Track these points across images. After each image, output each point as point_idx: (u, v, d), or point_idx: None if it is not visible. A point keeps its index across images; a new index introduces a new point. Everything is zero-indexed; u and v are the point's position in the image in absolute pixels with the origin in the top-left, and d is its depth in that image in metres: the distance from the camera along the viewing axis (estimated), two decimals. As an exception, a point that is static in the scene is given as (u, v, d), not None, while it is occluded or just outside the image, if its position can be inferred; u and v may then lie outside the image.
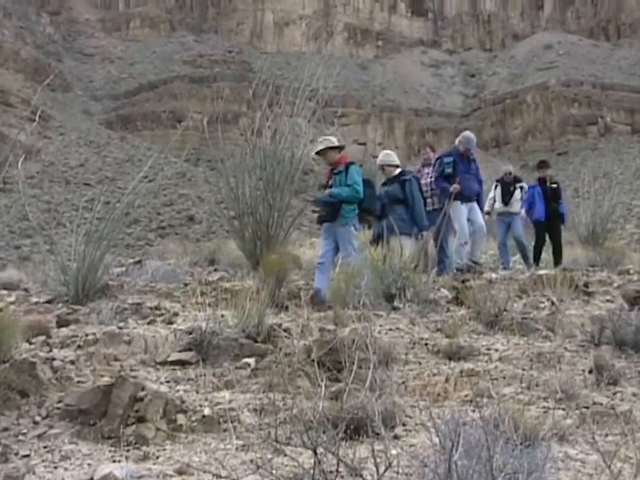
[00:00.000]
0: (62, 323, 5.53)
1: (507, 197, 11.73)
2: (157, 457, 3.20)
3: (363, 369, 3.70)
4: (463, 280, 7.58)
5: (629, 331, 4.94)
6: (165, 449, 3.31)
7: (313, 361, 4.09)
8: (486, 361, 4.73)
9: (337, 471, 2.52)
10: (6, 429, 3.55)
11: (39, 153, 57.57)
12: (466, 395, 4.03)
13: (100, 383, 3.76)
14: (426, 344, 5.11)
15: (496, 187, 11.95)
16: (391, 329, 5.45)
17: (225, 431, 3.50)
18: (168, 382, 4.20)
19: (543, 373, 4.40)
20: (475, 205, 9.84)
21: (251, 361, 4.54)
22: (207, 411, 3.67)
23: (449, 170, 9.56)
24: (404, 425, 3.61)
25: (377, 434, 3.05)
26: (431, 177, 9.88)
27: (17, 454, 3.26)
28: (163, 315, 6.03)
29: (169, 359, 4.58)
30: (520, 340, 5.24)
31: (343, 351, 4.02)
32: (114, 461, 3.10)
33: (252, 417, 3.67)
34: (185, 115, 73.89)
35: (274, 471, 2.63)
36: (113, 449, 3.30)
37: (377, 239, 8.18)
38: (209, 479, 2.80)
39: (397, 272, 6.49)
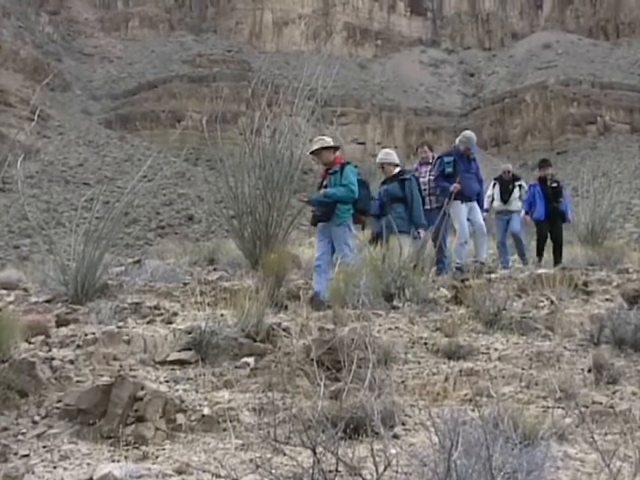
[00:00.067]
0: (61, 322, 5.53)
1: (505, 196, 11.73)
2: (156, 457, 3.20)
3: (362, 369, 3.69)
4: (462, 279, 7.58)
5: (628, 329, 4.94)
6: (164, 449, 3.31)
7: (312, 360, 4.08)
8: (485, 360, 4.73)
9: (337, 470, 2.52)
10: (5, 429, 3.55)
11: (38, 152, 57.59)
12: (465, 394, 4.03)
13: (99, 382, 3.76)
14: (425, 343, 5.11)
15: (494, 185, 11.94)
16: (390, 328, 5.45)
17: (224, 430, 3.50)
18: (167, 381, 4.20)
19: (542, 372, 4.40)
20: (475, 204, 9.85)
21: (250, 360, 4.54)
22: (206, 411, 3.67)
23: (449, 169, 9.57)
24: (403, 424, 3.61)
25: (376, 433, 3.05)
26: (430, 176, 9.89)
27: (16, 454, 3.26)
28: (162, 314, 6.03)
29: (168, 359, 4.58)
30: (519, 339, 5.24)
31: (342, 350, 4.02)
32: (113, 461, 3.10)
33: (251, 416, 3.67)
34: (184, 115, 73.89)
35: (273, 471, 2.63)
36: (112, 448, 3.30)
37: (376, 238, 8.17)
38: (208, 479, 2.80)
39: (396, 271, 6.49)
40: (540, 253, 11.50)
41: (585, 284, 7.57)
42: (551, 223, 11.48)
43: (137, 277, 8.30)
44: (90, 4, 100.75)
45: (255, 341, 4.85)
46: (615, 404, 3.91)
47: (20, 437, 3.47)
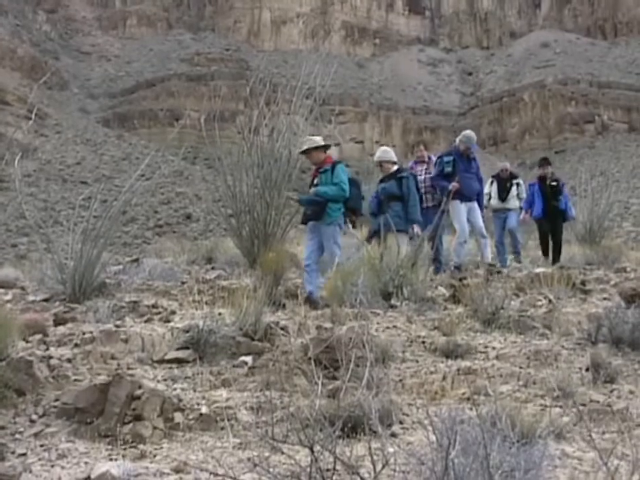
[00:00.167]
0: (59, 321, 5.53)
1: (503, 194, 11.75)
2: (154, 455, 3.19)
3: (359, 367, 3.70)
4: (460, 278, 7.59)
5: (625, 328, 4.94)
6: (161, 447, 3.30)
7: (310, 359, 4.08)
8: (483, 359, 4.73)
9: (334, 469, 2.52)
10: (2, 428, 3.54)
11: (35, 151, 57.48)
12: (463, 393, 4.03)
13: (97, 381, 3.76)
14: (423, 342, 5.11)
15: (492, 182, 11.95)
16: (388, 327, 5.45)
17: (222, 429, 3.50)
18: (165, 380, 4.20)
19: (539, 371, 4.41)
20: (475, 205, 9.81)
21: (248, 359, 4.54)
22: (204, 409, 3.67)
23: (448, 169, 9.56)
24: (401, 422, 3.61)
25: (374, 432, 3.05)
26: (427, 174, 9.89)
27: (13, 452, 3.26)
28: (160, 313, 6.03)
29: (166, 357, 4.58)
30: (517, 338, 5.24)
31: (339, 349, 4.02)
32: (111, 460, 3.10)
33: (249, 415, 3.67)
34: (182, 113, 73.84)
35: (271, 469, 2.62)
36: (109, 447, 3.29)
37: (373, 236, 8.18)
38: (206, 477, 2.80)
39: (394, 270, 6.49)
40: (545, 251, 11.51)
41: (583, 283, 7.58)
42: (550, 221, 11.49)
43: (135, 276, 8.30)
44: (87, 2, 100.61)
45: (252, 339, 4.85)
46: (613, 402, 3.91)
47: (17, 435, 3.47)
